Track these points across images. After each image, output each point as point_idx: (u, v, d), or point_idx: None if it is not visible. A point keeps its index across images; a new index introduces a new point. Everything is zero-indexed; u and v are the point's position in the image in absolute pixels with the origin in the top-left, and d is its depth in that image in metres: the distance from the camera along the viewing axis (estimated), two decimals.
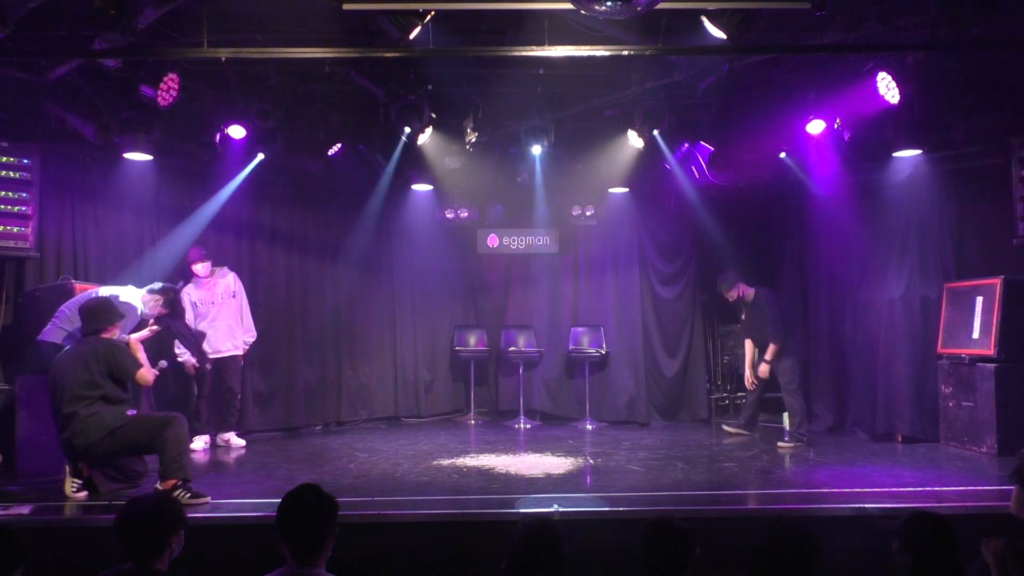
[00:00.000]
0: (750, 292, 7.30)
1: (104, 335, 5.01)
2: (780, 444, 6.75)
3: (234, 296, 7.02)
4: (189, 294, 6.81)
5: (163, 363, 5.69)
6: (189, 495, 4.67)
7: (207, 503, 4.70)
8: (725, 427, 7.72)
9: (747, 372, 7.38)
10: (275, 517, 2.63)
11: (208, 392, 6.82)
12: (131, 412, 5.07)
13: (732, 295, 7.38)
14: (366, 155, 7.79)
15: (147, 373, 5.04)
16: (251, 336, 7.12)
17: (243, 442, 6.95)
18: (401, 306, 9.07)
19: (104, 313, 5.08)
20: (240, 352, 7.01)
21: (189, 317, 6.73)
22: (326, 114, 7.32)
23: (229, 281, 7.04)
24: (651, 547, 2.71)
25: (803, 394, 7.17)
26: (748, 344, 7.40)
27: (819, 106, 6.62)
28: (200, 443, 6.67)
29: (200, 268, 6.86)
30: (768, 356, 7.05)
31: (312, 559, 2.58)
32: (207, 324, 6.81)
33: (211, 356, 6.78)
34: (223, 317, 6.90)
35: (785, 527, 2.63)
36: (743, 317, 7.55)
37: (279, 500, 2.67)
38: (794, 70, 6.58)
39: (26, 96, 5.95)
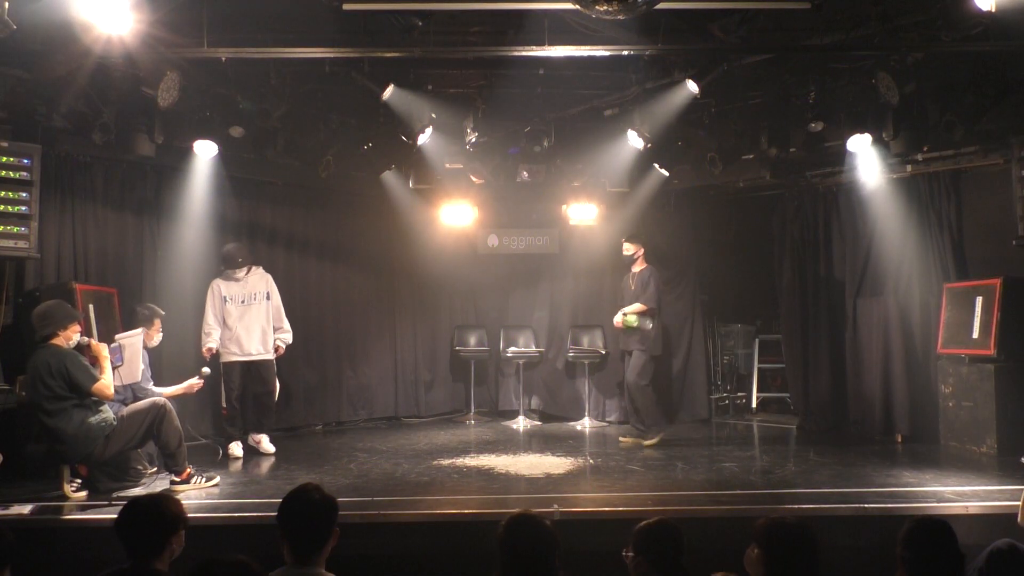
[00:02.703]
0: (644, 264, 7.20)
1: (56, 340, 4.80)
2: (621, 438, 7.02)
3: (268, 297, 6.84)
4: (221, 287, 6.71)
5: (206, 370, 5.83)
6: (205, 479, 5.17)
7: (219, 481, 5.28)
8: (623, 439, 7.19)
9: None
10: (276, 516, 2.64)
11: (238, 396, 6.66)
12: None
13: (632, 250, 7.21)
14: (366, 155, 7.79)
15: (105, 388, 4.80)
16: (286, 336, 6.92)
17: (272, 448, 6.66)
18: (401, 306, 9.06)
19: (58, 313, 4.87)
20: (272, 356, 6.80)
21: (218, 311, 6.64)
22: (326, 114, 7.32)
23: (263, 282, 6.88)
24: (644, 548, 2.71)
25: (654, 389, 7.12)
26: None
27: (819, 106, 6.62)
28: (239, 448, 6.54)
29: (239, 269, 6.76)
30: (628, 310, 7.02)
31: (312, 558, 2.59)
32: (237, 324, 6.65)
33: (241, 359, 6.64)
34: (255, 319, 6.71)
35: (788, 529, 2.63)
36: (622, 289, 7.39)
37: (279, 500, 2.68)
38: (794, 70, 6.58)
39: (26, 96, 5.95)
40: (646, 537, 2.73)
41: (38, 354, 4.79)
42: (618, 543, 2.84)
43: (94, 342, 5.08)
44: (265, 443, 6.68)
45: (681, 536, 2.73)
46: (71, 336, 4.91)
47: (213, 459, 6.28)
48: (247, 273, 6.81)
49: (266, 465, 6.22)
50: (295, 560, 2.59)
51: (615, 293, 8.87)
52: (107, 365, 4.96)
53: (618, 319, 7.13)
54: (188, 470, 5.10)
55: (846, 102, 6.65)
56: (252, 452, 6.62)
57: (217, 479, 5.29)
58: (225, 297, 6.69)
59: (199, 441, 6.88)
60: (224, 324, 6.66)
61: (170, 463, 5.07)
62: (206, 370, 5.83)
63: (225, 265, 6.78)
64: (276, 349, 6.88)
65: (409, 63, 6.48)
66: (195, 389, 5.79)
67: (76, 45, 5.09)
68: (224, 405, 6.67)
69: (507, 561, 2.54)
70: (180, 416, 6.28)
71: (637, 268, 7.22)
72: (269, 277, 6.96)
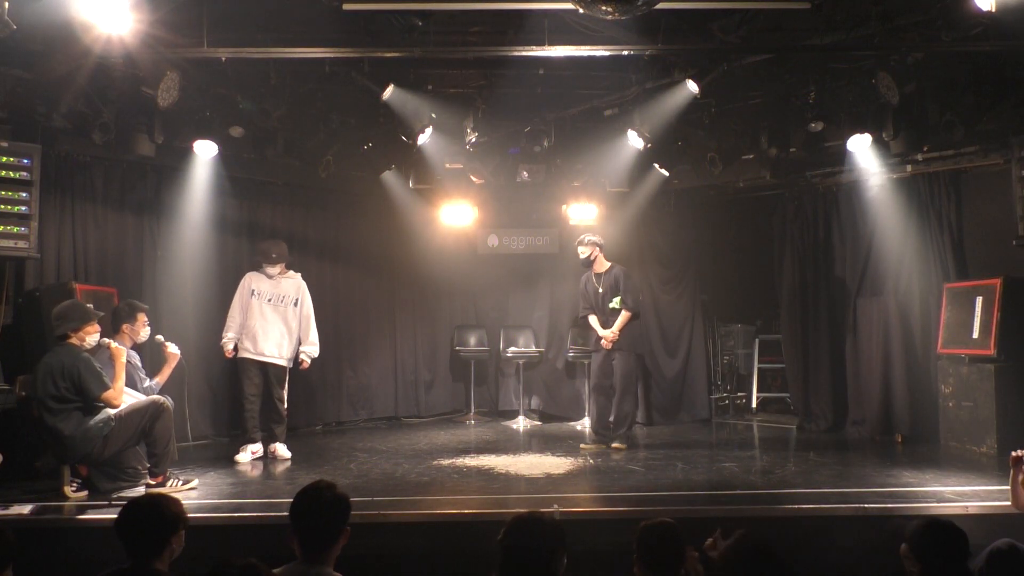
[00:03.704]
0: (605, 263, 7.03)
1: (71, 340, 4.79)
2: (614, 444, 6.74)
3: (296, 304, 6.59)
4: (251, 281, 6.55)
5: (159, 338, 5.63)
6: (181, 483, 5.05)
7: (196, 484, 5.15)
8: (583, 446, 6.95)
9: (602, 332, 6.90)
10: (288, 511, 2.65)
11: (253, 395, 6.46)
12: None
13: (588, 252, 6.98)
14: (366, 155, 7.79)
15: (114, 397, 4.78)
16: (311, 349, 6.65)
17: (289, 455, 6.43)
18: (401, 306, 9.06)
19: (73, 313, 4.86)
20: (285, 364, 6.56)
21: (245, 304, 6.48)
22: (326, 114, 7.32)
23: (295, 287, 6.65)
24: (645, 547, 2.71)
25: (638, 395, 7.01)
26: (594, 319, 7.02)
27: (819, 106, 6.62)
28: (247, 455, 6.31)
29: (272, 266, 6.57)
30: (618, 325, 6.78)
31: (321, 557, 2.60)
32: (257, 321, 6.44)
33: (254, 357, 6.45)
34: (275, 322, 6.50)
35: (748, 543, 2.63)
36: (589, 293, 7.07)
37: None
38: (794, 70, 6.58)
39: (26, 96, 5.95)
40: (646, 537, 2.73)
41: (54, 352, 4.80)
42: (618, 543, 2.84)
43: (114, 345, 5.03)
44: (281, 451, 6.46)
45: (679, 540, 2.72)
46: (85, 337, 4.88)
47: (210, 460, 6.27)
48: (280, 273, 6.64)
49: (266, 465, 6.21)
50: (304, 557, 2.59)
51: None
52: (121, 372, 4.93)
53: (606, 341, 6.84)
54: (161, 476, 4.95)
55: (846, 102, 6.65)
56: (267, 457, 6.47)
57: (195, 482, 5.17)
58: (253, 290, 6.52)
59: (197, 442, 6.89)
60: (245, 318, 6.49)
61: (152, 462, 4.97)
62: (159, 338, 5.66)
63: (260, 257, 6.65)
64: (300, 363, 6.65)
65: (409, 63, 6.48)
66: (178, 356, 5.65)
67: (76, 45, 5.09)
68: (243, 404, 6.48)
69: (506, 560, 2.53)
70: (187, 417, 6.30)
71: (600, 268, 7.03)
72: (304, 285, 6.73)
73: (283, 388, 6.62)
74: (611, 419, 6.98)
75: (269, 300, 6.55)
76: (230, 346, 6.47)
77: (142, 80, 5.98)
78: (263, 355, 6.49)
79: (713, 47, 5.79)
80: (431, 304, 9.25)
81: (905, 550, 2.74)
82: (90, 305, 5.08)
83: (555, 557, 2.52)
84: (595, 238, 7.11)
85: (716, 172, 7.56)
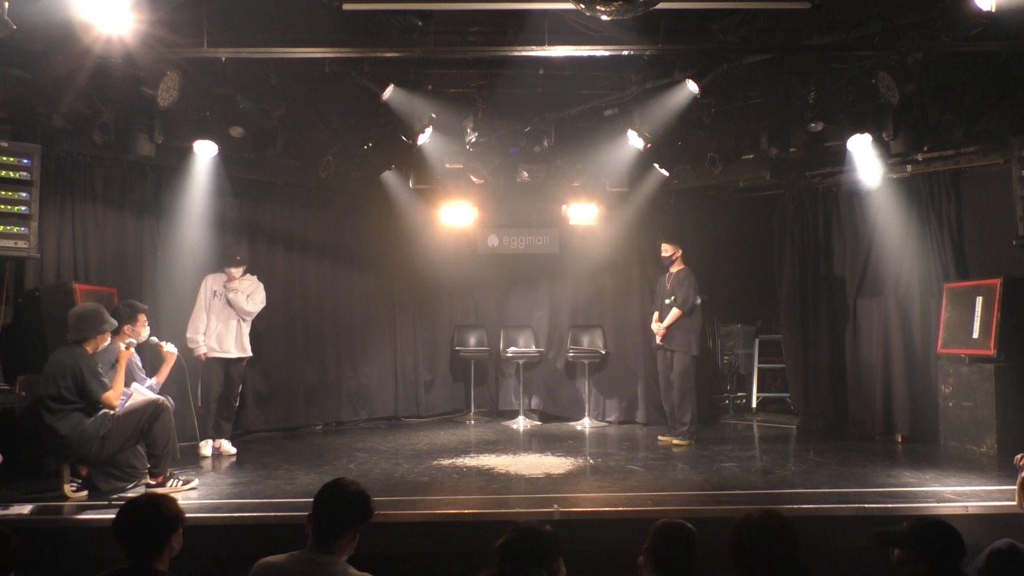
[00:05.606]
0: (682, 266, 7.26)
1: (88, 344, 4.89)
2: (660, 437, 6.98)
3: (247, 296, 6.81)
4: (211, 281, 6.77)
5: (153, 339, 5.64)
6: (181, 483, 5.08)
7: (196, 484, 5.17)
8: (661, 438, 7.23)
9: (654, 325, 7.26)
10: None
11: (216, 397, 6.61)
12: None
13: (671, 251, 7.27)
14: (366, 155, 7.79)
15: (111, 399, 4.87)
16: (237, 296, 6.81)
17: (234, 450, 6.63)
18: (401, 306, 9.06)
19: (93, 320, 4.94)
20: (246, 356, 6.82)
21: (205, 303, 6.67)
22: (326, 114, 7.32)
23: (251, 288, 6.89)
24: (657, 548, 2.71)
25: (697, 394, 7.21)
26: (656, 315, 7.32)
27: (819, 106, 6.62)
28: (208, 448, 6.51)
29: (234, 269, 6.79)
30: (667, 321, 7.06)
31: (329, 546, 2.61)
32: (219, 320, 6.67)
33: (220, 355, 6.63)
34: (230, 320, 6.73)
35: (763, 523, 2.63)
36: (658, 291, 7.44)
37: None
38: (794, 70, 6.58)
39: (26, 96, 5.95)
40: (661, 535, 2.72)
41: (62, 352, 4.86)
42: (618, 543, 2.84)
43: (122, 347, 5.11)
44: (226, 446, 6.62)
45: (693, 546, 2.71)
46: (97, 347, 4.97)
47: (210, 460, 6.28)
48: (243, 275, 6.86)
49: (266, 465, 6.21)
50: (313, 543, 2.62)
51: (615, 293, 8.93)
52: (122, 374, 5.00)
53: (658, 329, 7.12)
54: (161, 477, 5.00)
55: (846, 102, 6.65)
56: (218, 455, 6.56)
57: (195, 482, 5.21)
58: (214, 291, 6.73)
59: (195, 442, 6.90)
60: (208, 318, 6.68)
61: (152, 463, 5.00)
62: (153, 339, 5.70)
63: (224, 262, 6.81)
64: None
65: (409, 63, 6.48)
66: (175, 355, 5.69)
67: (76, 45, 5.10)
68: (200, 404, 6.57)
69: (502, 571, 2.53)
70: (195, 417, 6.30)
71: (675, 269, 7.26)
72: (260, 285, 6.97)
73: (237, 384, 6.82)
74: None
75: (227, 301, 6.75)
76: (203, 349, 6.61)
77: (142, 80, 5.99)
78: (228, 352, 6.68)
79: (713, 47, 5.79)
80: (431, 304, 9.25)
81: (902, 555, 2.70)
82: (106, 312, 5.11)
83: (551, 566, 2.54)
84: (678, 239, 7.35)
85: (716, 172, 7.56)
